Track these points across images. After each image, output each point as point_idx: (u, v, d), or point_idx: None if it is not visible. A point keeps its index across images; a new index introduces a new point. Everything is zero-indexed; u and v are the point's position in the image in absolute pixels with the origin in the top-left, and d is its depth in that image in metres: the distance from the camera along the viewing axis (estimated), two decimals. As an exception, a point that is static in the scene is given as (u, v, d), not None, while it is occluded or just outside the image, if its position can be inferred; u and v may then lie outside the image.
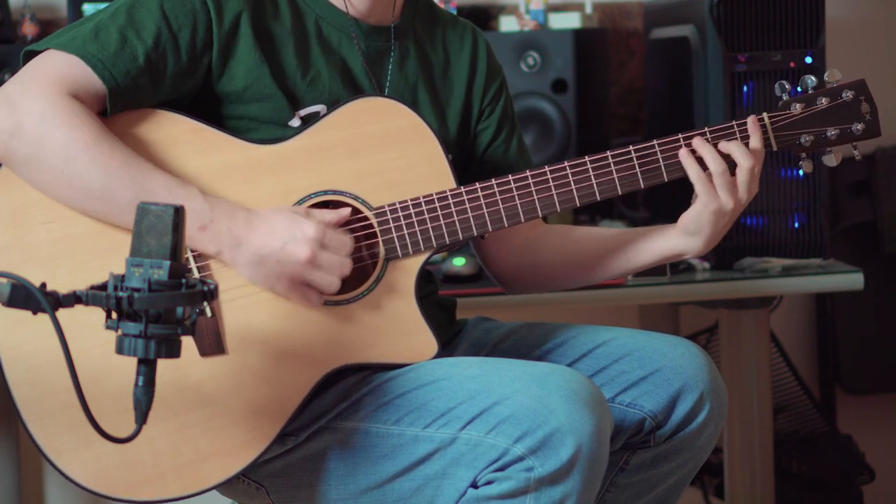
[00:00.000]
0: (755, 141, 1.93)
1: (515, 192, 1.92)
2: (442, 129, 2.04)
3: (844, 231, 3.33)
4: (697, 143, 1.92)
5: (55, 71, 1.80)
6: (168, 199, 1.76)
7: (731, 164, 1.92)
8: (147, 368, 1.53)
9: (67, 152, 1.77)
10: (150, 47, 1.84)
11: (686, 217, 1.94)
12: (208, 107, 1.91)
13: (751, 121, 1.94)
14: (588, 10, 3.14)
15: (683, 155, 1.92)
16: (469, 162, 2.11)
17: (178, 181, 1.80)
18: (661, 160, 1.94)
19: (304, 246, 1.79)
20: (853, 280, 2.68)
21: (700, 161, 1.92)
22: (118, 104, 1.83)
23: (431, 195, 1.90)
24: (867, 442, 3.34)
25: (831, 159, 1.99)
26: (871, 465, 3.28)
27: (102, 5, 2.85)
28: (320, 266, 1.80)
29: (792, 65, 2.64)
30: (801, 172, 2.66)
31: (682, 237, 1.96)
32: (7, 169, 1.81)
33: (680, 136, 1.94)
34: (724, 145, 1.92)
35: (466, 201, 1.91)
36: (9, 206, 1.81)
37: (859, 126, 1.98)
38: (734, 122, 1.95)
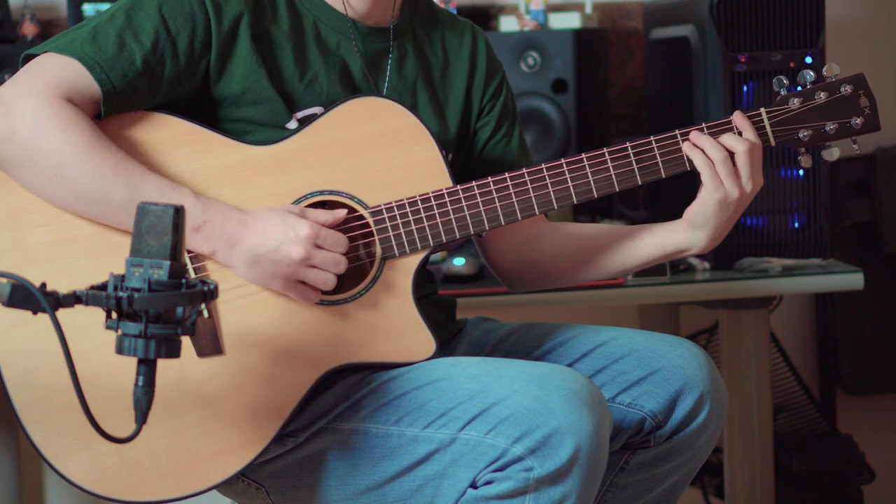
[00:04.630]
0: (749, 133, 1.93)
1: (512, 190, 1.92)
2: (442, 129, 2.04)
3: (844, 231, 3.32)
4: (695, 135, 1.93)
5: (51, 73, 1.80)
6: (160, 201, 1.76)
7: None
8: (147, 368, 1.53)
9: (61, 156, 1.77)
10: (148, 50, 1.84)
11: (692, 209, 1.94)
12: (205, 109, 1.91)
13: (737, 116, 1.94)
14: (588, 10, 3.14)
15: (687, 147, 1.92)
16: (469, 157, 2.11)
17: (171, 183, 1.81)
18: (658, 156, 1.94)
19: (298, 245, 1.79)
20: (853, 280, 2.67)
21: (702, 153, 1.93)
22: (113, 107, 1.82)
23: (428, 194, 1.90)
24: (867, 442, 3.34)
25: (831, 153, 1.99)
26: (871, 465, 3.28)
27: (103, 5, 2.86)
28: (315, 265, 1.80)
29: (792, 65, 2.64)
30: (800, 172, 2.66)
31: (687, 231, 1.96)
32: (3, 172, 1.81)
33: (677, 131, 1.94)
34: (723, 138, 1.93)
35: (463, 200, 1.91)
36: (7, 209, 1.81)
37: (858, 120, 1.97)
38: (731, 118, 1.95)
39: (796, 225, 2.68)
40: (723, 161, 1.91)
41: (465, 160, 2.11)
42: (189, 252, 1.83)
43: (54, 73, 1.80)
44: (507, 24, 3.05)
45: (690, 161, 1.93)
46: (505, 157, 2.11)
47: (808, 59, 2.64)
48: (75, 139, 1.77)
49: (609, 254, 2.04)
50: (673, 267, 2.67)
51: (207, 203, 1.81)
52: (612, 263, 2.05)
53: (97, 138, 1.79)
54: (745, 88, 2.65)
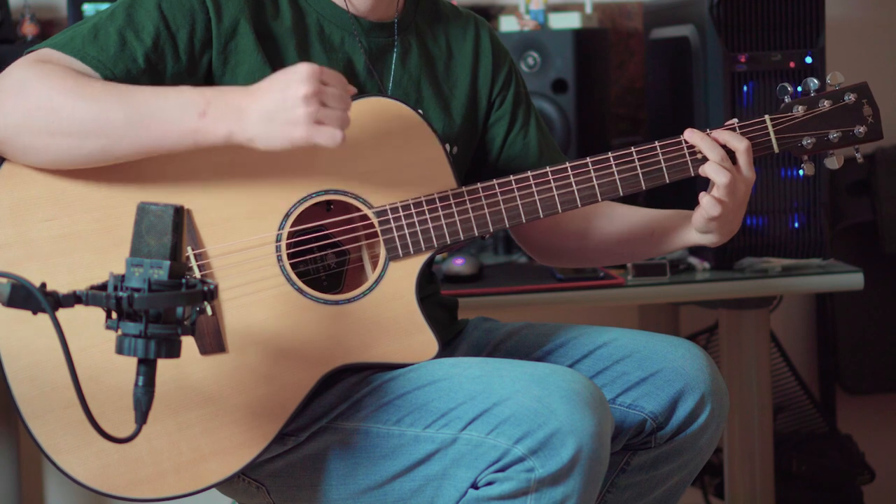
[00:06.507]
0: (738, 138, 1.93)
1: (517, 193, 1.92)
2: (447, 123, 2.04)
3: (844, 231, 3.33)
4: (688, 134, 1.93)
5: (44, 54, 1.80)
6: (158, 101, 1.75)
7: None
8: (147, 368, 1.53)
9: (50, 102, 1.75)
10: (150, 48, 1.84)
11: (697, 216, 1.96)
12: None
13: (719, 133, 1.94)
14: (588, 10, 3.14)
15: (692, 136, 1.92)
16: (487, 158, 2.10)
17: (165, 86, 1.79)
18: (662, 161, 1.94)
19: (304, 83, 1.71)
20: (853, 280, 2.68)
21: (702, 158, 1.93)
22: None
23: (433, 195, 1.90)
24: (867, 442, 3.34)
25: (833, 162, 2.00)
26: (871, 465, 3.28)
27: (103, 5, 2.86)
28: (326, 101, 1.73)
29: (792, 65, 2.64)
30: (800, 172, 2.66)
31: (698, 235, 1.99)
32: (8, 166, 1.81)
33: (682, 137, 1.94)
34: (718, 134, 1.93)
35: (468, 201, 1.91)
36: (10, 203, 1.81)
37: (861, 129, 1.98)
38: (735, 123, 1.95)
39: (796, 225, 2.68)
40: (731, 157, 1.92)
41: (483, 159, 2.10)
42: (196, 246, 1.83)
43: (50, 56, 1.80)
44: (507, 24, 3.05)
45: (694, 167, 1.93)
46: (526, 150, 2.10)
47: (808, 60, 2.64)
48: (58, 82, 1.75)
49: (646, 244, 2.09)
50: (673, 267, 2.67)
51: (205, 89, 1.77)
52: (645, 252, 2.11)
53: (80, 76, 1.78)
54: (744, 88, 2.65)
